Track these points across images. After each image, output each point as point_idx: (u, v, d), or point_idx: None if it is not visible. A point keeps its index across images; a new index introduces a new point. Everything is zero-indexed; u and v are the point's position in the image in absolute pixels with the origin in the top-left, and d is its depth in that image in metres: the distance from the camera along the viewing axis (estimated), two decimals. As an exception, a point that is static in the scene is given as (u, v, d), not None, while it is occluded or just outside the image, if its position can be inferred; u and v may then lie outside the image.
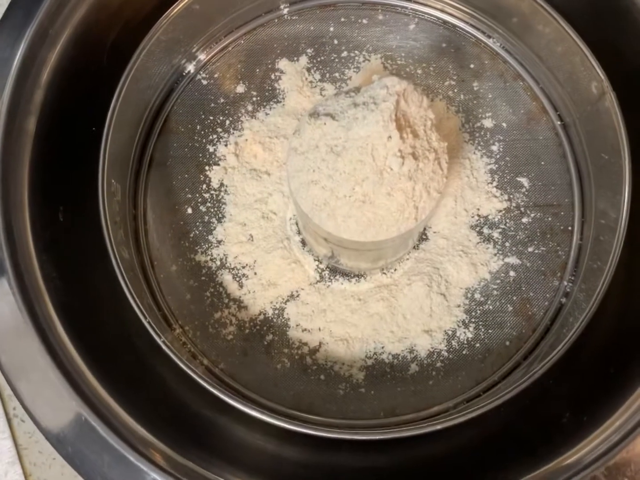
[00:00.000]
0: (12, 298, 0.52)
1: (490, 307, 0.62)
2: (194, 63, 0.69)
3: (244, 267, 0.64)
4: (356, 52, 0.69)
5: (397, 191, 0.47)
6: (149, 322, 0.53)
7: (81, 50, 0.58)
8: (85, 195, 0.57)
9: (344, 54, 0.69)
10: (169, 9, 0.60)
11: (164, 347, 0.53)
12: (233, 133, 0.67)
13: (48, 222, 0.55)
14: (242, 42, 0.70)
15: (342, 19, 0.70)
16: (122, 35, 0.60)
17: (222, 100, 0.68)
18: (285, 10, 0.70)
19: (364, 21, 0.70)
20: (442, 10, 0.69)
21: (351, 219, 0.48)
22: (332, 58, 0.69)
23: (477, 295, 0.62)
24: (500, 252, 0.63)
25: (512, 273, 0.63)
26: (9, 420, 0.64)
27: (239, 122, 0.67)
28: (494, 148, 0.66)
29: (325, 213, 0.49)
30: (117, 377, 0.54)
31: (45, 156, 0.56)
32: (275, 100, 0.68)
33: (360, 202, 0.48)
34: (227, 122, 0.67)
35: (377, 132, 0.45)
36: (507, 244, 0.64)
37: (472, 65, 0.68)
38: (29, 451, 0.65)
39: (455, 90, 0.68)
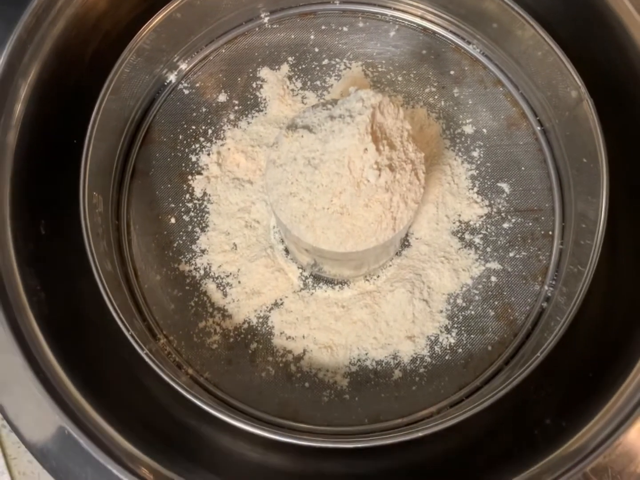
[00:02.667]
0: (-5, 312, 0.52)
1: (472, 312, 0.63)
2: (176, 73, 0.69)
3: (227, 276, 0.64)
4: (337, 59, 0.69)
5: (374, 202, 0.48)
6: (131, 335, 0.53)
7: (61, 63, 0.58)
8: (67, 207, 0.57)
9: (325, 61, 0.69)
10: (149, 20, 0.60)
11: (147, 359, 0.53)
12: (215, 142, 0.67)
13: (30, 235, 0.56)
14: (224, 51, 0.70)
15: (323, 27, 0.70)
16: (102, 47, 0.61)
17: (204, 110, 0.68)
18: (266, 19, 0.70)
19: (345, 29, 0.70)
20: (422, 17, 0.70)
21: (330, 230, 0.49)
22: (313, 66, 0.69)
23: (459, 301, 0.63)
24: (481, 257, 0.64)
25: (493, 278, 0.64)
26: (-4, 432, 0.65)
27: (222, 131, 0.68)
28: (475, 154, 0.66)
29: (304, 225, 0.49)
30: (100, 389, 0.54)
31: (27, 170, 0.56)
32: (257, 108, 0.68)
33: (339, 213, 0.48)
34: (210, 131, 0.68)
35: (353, 145, 0.46)
36: (488, 250, 0.64)
37: (452, 72, 0.69)
38: (17, 461, 0.65)
39: (436, 97, 0.68)
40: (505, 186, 0.66)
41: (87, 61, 0.60)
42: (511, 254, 0.64)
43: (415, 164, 0.50)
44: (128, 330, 0.53)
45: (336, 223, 0.48)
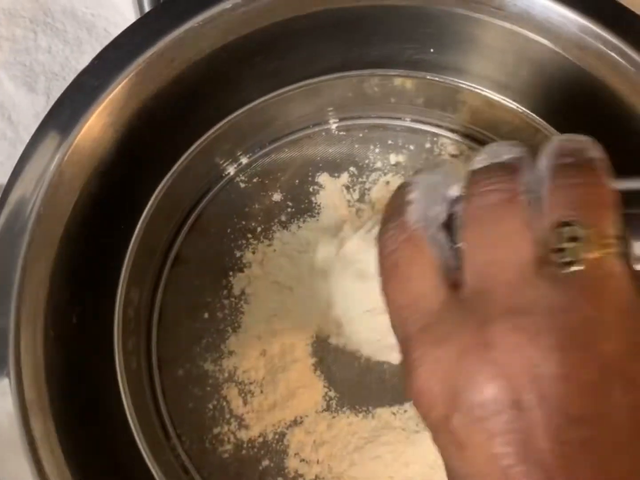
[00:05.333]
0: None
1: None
2: (235, 165, 0.68)
3: (251, 383, 0.62)
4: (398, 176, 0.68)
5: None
6: (143, 448, 0.52)
7: (123, 156, 0.57)
8: (103, 298, 0.56)
9: (388, 176, 0.68)
10: (215, 126, 0.60)
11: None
12: (263, 241, 0.66)
13: (61, 323, 0.55)
14: (286, 150, 0.69)
15: (389, 142, 0.69)
16: (162, 143, 0.60)
17: (256, 206, 0.67)
18: (334, 125, 0.69)
19: (412, 147, 0.69)
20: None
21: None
22: (373, 179, 0.68)
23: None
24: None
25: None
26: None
27: (270, 232, 0.66)
28: None
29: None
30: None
31: (71, 256, 0.55)
32: (309, 214, 0.67)
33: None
34: (259, 229, 0.66)
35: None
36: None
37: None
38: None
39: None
40: None
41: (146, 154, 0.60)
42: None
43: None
44: (141, 443, 0.52)
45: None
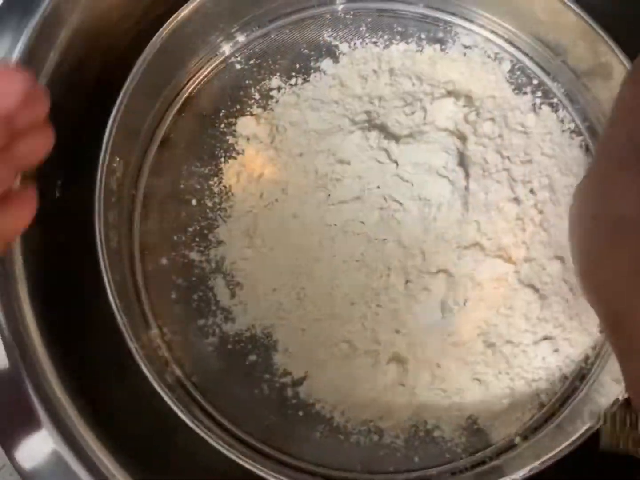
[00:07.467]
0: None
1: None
2: (231, 44, 0.62)
3: (240, 275, 0.58)
4: (406, 66, 0.63)
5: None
6: (124, 324, 0.48)
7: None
8: (86, 169, 0.52)
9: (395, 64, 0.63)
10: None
11: (134, 353, 0.48)
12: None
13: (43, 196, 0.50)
14: (288, 31, 0.63)
15: (399, 29, 0.63)
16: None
17: (253, 91, 0.62)
18: (340, 7, 0.63)
19: (422, 36, 0.64)
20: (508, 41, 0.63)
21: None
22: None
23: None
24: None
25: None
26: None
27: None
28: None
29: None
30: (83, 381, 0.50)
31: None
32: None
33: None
34: (255, 115, 0.61)
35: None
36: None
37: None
38: None
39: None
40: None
41: (141, 13, 0.54)
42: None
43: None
44: (122, 318, 0.48)
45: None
